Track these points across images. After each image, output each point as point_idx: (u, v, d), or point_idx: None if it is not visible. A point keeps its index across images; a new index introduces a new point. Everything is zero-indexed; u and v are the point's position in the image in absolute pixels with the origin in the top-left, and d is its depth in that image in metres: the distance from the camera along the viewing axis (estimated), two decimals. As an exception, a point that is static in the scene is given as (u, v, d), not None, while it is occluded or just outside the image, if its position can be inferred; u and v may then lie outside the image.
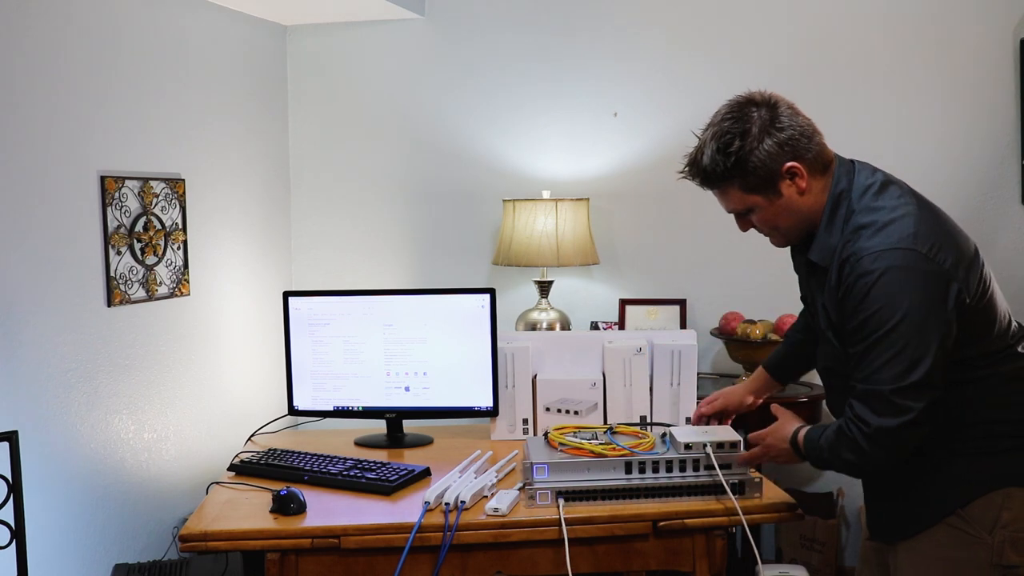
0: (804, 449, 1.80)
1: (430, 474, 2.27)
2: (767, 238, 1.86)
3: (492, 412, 2.59)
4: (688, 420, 2.49)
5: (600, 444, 2.07)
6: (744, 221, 1.81)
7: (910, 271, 1.60)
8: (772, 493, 2.07)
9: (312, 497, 2.12)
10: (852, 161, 1.77)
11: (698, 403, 2.30)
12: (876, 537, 1.89)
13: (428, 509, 1.99)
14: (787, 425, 1.87)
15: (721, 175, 1.72)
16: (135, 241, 2.55)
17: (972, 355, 1.69)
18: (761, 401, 2.25)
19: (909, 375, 1.60)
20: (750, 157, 1.69)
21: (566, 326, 3.17)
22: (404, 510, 2.05)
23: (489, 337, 2.57)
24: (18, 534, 1.97)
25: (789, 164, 1.70)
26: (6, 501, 1.97)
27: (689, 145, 1.80)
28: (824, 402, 2.32)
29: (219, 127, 2.98)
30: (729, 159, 1.70)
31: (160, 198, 2.64)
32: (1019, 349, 1.74)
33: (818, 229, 1.74)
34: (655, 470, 2.03)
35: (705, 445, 2.01)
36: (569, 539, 1.94)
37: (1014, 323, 1.76)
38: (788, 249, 1.97)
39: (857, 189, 1.71)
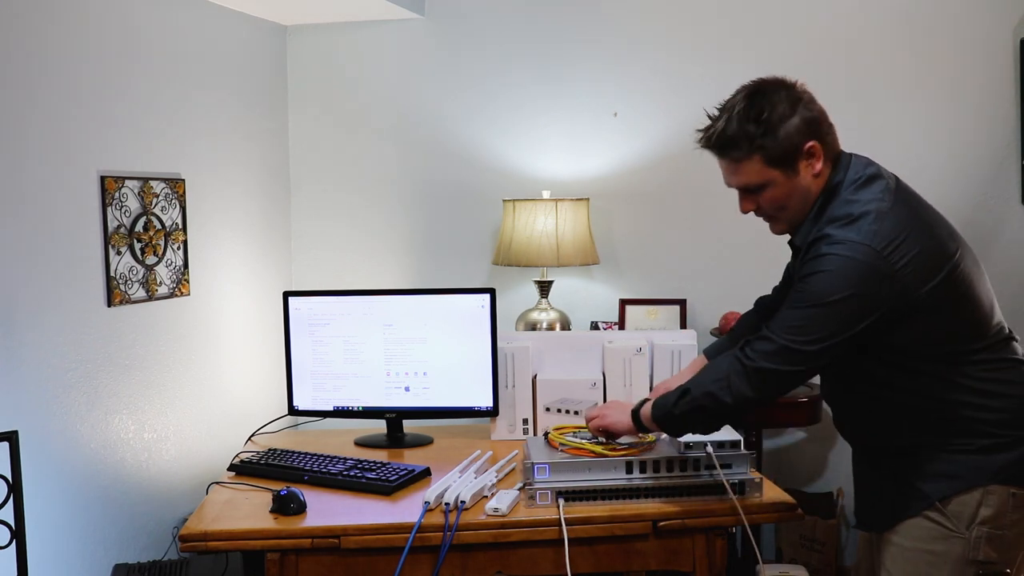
0: (653, 406, 1.90)
1: (430, 474, 2.27)
2: (768, 227, 1.88)
3: (492, 412, 2.59)
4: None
5: (600, 444, 2.07)
6: (750, 199, 1.81)
7: (859, 264, 1.66)
8: (772, 493, 2.07)
9: (312, 497, 2.12)
10: (851, 155, 1.81)
11: None
12: (861, 527, 1.95)
13: (428, 509, 2.00)
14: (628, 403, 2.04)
15: (748, 143, 1.73)
16: (135, 241, 2.54)
17: (953, 351, 1.72)
18: None
19: (807, 345, 1.70)
20: (779, 128, 1.73)
21: (566, 326, 3.17)
22: (404, 510, 2.05)
23: (489, 337, 2.57)
24: (18, 534, 1.97)
25: (810, 143, 1.74)
26: (6, 501, 1.97)
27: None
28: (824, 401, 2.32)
29: (219, 127, 2.98)
30: (759, 127, 1.72)
31: (160, 198, 2.64)
32: (1001, 348, 1.77)
33: (807, 218, 1.79)
34: (655, 470, 2.03)
35: (706, 445, 2.02)
36: (569, 539, 1.94)
37: (998, 322, 1.78)
38: (788, 248, 1.99)
39: (847, 182, 1.76)
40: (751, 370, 1.74)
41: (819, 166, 1.76)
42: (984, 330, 1.75)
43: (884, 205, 1.71)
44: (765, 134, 1.72)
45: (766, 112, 1.72)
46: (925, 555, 1.75)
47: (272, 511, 2.06)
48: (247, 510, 2.09)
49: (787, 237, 1.92)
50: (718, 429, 1.92)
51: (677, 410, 1.84)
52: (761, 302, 2.23)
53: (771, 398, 1.79)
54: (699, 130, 1.81)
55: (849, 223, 1.70)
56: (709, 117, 1.80)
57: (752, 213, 1.86)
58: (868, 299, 1.67)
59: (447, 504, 2.00)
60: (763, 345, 1.74)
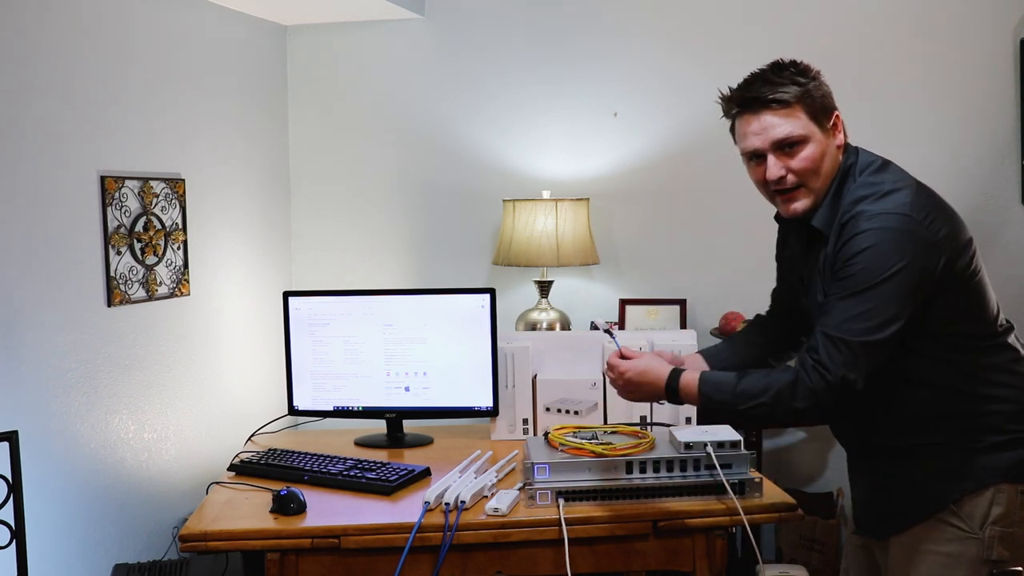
0: (702, 388, 1.78)
1: (430, 474, 2.27)
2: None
3: (492, 412, 2.59)
4: (689, 420, 2.49)
5: (600, 444, 2.07)
6: (783, 161, 1.77)
7: (904, 234, 1.65)
8: (772, 493, 2.07)
9: (312, 497, 2.12)
10: (856, 147, 1.84)
11: None
12: (864, 532, 1.92)
13: (428, 509, 2.00)
14: (662, 364, 1.87)
15: (795, 87, 1.74)
16: (135, 241, 2.54)
17: (972, 335, 1.73)
18: None
19: (879, 331, 1.64)
20: (821, 83, 1.77)
21: (566, 326, 3.17)
22: (404, 510, 2.05)
23: (489, 337, 2.57)
24: (18, 534, 1.97)
25: (836, 111, 1.79)
26: (6, 501, 1.97)
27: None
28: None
29: (219, 127, 2.98)
30: (802, 76, 1.75)
31: (160, 198, 2.64)
32: (1008, 340, 1.78)
33: (824, 199, 1.78)
34: (655, 470, 2.03)
35: (706, 445, 2.01)
36: (569, 539, 1.94)
37: (1003, 316, 1.80)
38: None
39: (861, 165, 1.78)
40: (835, 384, 1.65)
41: (842, 137, 1.79)
42: (994, 320, 1.77)
43: (911, 183, 1.73)
44: (809, 82, 1.75)
45: (803, 67, 1.77)
46: (940, 557, 1.73)
47: (272, 511, 2.05)
48: (247, 510, 2.09)
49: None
50: None
51: (746, 415, 1.78)
52: (759, 318, 2.18)
53: (846, 408, 1.76)
54: (727, 95, 1.80)
55: (882, 196, 1.69)
56: (730, 88, 1.80)
57: (762, 197, 1.86)
58: (921, 267, 1.64)
59: (447, 504, 2.00)
60: (833, 350, 1.66)
